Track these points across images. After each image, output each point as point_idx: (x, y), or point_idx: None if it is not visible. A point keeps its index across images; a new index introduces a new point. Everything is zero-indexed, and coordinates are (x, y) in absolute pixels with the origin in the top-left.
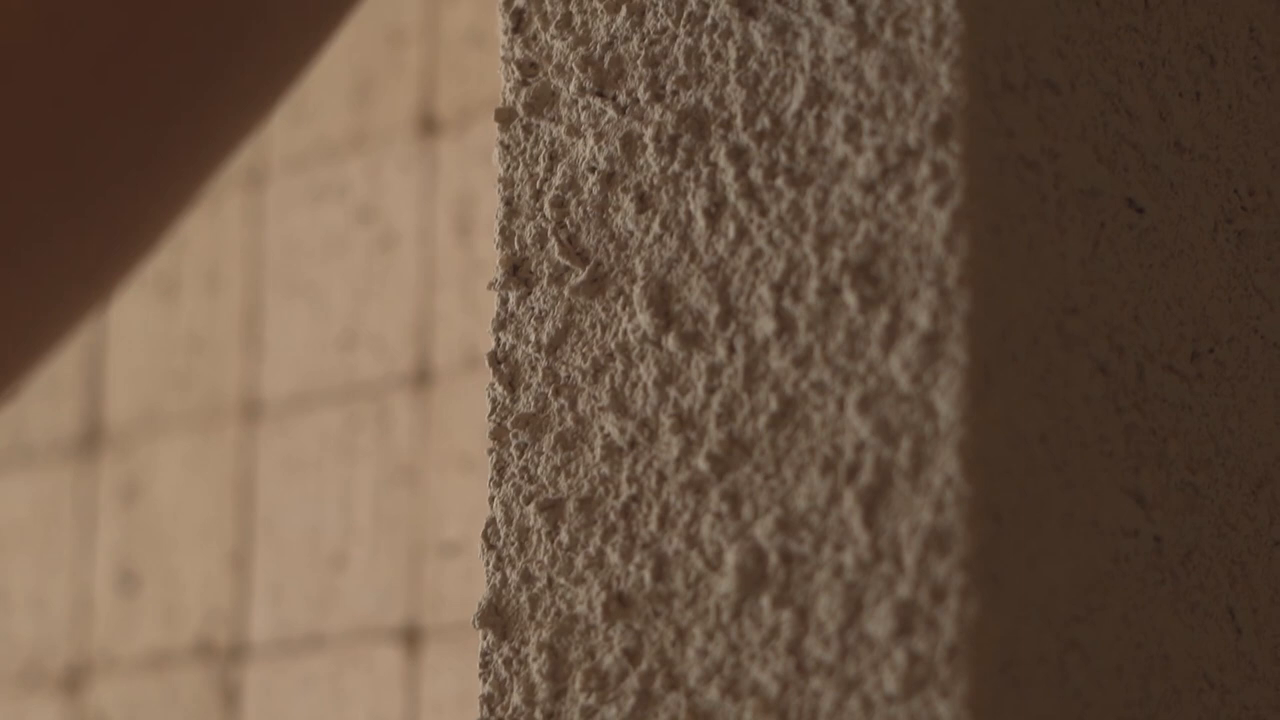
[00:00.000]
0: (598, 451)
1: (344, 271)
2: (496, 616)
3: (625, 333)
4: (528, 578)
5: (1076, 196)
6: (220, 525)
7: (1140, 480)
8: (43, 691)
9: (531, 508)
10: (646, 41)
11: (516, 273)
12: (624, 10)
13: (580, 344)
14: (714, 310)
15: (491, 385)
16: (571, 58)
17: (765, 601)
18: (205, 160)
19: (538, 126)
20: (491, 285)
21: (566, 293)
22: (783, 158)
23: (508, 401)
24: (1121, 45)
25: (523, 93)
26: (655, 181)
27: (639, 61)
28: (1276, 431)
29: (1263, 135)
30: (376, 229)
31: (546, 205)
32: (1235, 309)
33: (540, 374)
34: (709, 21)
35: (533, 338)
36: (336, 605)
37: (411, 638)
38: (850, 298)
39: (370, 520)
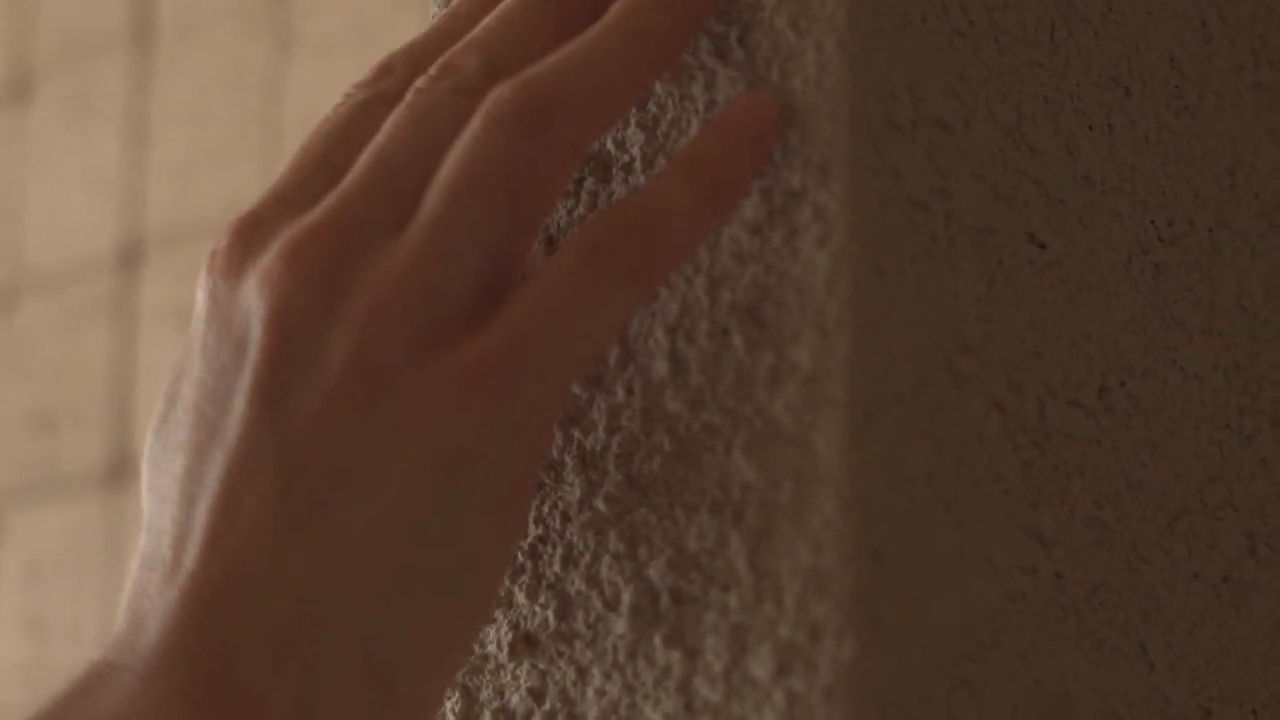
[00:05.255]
0: None
1: None
2: None
3: None
4: None
5: (970, 234)
6: None
7: (1039, 517)
8: None
9: None
10: None
11: None
12: None
13: None
14: (614, 352)
15: None
16: None
17: (658, 641)
18: None
19: None
20: None
21: None
22: None
23: None
24: (1023, 81)
25: None
26: (563, 224)
27: None
28: (1195, 464)
29: (1184, 165)
30: None
31: None
32: (1151, 341)
33: None
34: None
35: None
36: None
37: None
38: (738, 340)
39: None
